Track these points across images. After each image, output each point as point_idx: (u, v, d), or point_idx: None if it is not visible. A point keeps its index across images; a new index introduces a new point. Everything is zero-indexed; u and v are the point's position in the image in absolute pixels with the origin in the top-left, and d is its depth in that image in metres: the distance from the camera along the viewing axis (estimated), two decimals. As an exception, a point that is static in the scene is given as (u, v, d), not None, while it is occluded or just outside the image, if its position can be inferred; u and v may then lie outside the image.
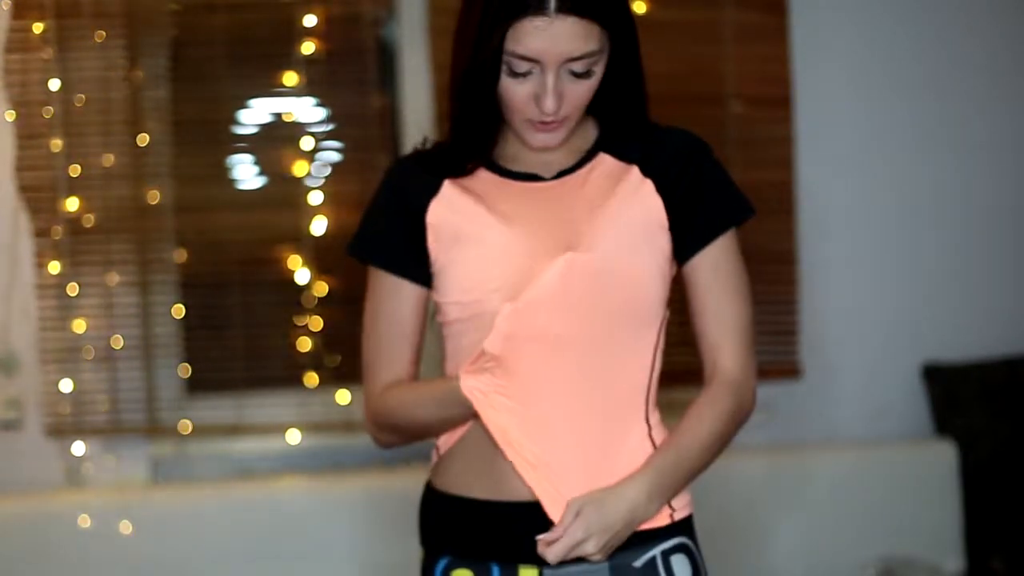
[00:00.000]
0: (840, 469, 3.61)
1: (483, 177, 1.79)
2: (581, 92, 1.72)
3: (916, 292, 3.73)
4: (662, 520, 1.78)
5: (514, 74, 1.70)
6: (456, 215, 1.77)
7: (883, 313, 3.72)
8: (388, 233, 1.81)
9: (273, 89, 3.44)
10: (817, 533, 3.56)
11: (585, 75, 1.71)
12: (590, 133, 1.82)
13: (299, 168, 3.42)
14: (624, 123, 1.81)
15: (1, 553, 3.27)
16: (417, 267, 1.80)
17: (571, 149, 1.80)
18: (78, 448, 3.42)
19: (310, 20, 3.40)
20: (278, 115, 3.46)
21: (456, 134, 1.78)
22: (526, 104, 1.72)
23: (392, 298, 1.81)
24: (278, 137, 3.46)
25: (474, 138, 1.77)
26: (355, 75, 3.44)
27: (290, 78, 3.42)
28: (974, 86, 3.73)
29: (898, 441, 3.70)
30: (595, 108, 1.81)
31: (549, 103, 1.69)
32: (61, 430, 3.38)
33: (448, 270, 1.77)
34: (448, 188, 1.79)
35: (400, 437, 1.85)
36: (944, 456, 3.61)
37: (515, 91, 1.71)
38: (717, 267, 1.78)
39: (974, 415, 3.66)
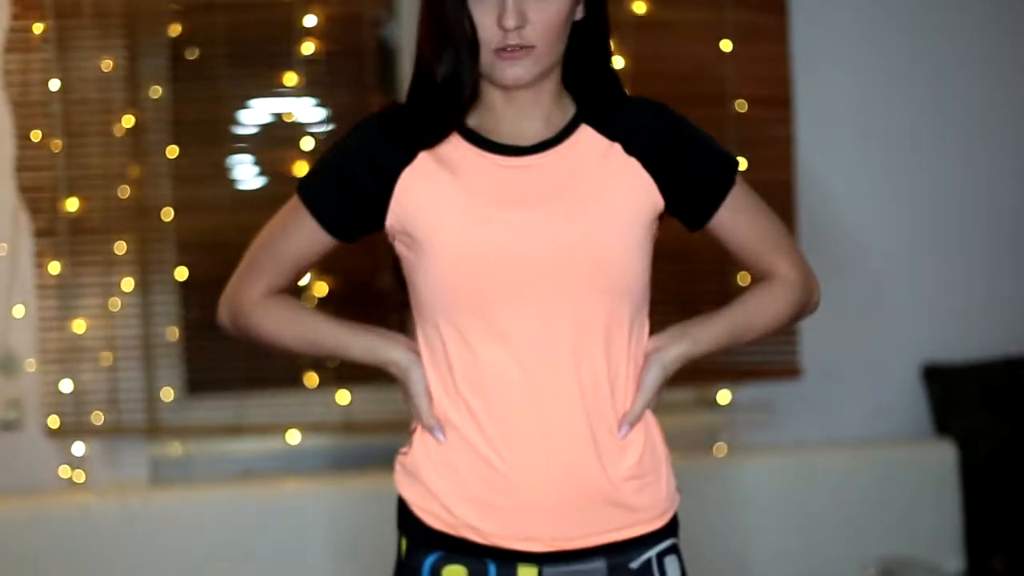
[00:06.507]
0: (840, 469, 3.61)
1: (461, 149, 1.76)
2: (546, 16, 1.70)
3: (916, 292, 3.73)
4: (659, 523, 1.79)
5: None
6: (426, 193, 1.74)
7: (883, 313, 3.72)
8: (338, 190, 1.78)
9: (273, 89, 3.44)
10: (817, 533, 3.56)
11: None
12: (568, 109, 1.80)
13: (299, 168, 3.42)
14: (601, 96, 1.80)
15: (1, 553, 3.27)
16: (349, 231, 1.80)
17: (550, 123, 1.78)
18: (78, 448, 3.42)
19: (310, 20, 3.40)
20: (278, 115, 3.46)
21: (426, 92, 1.75)
22: (492, 31, 1.70)
23: (306, 239, 1.82)
24: (278, 137, 3.46)
25: (450, 92, 1.74)
26: (355, 75, 3.44)
27: (290, 78, 3.42)
28: (974, 86, 3.73)
29: (898, 441, 3.70)
30: (571, 84, 1.80)
31: (509, 18, 1.67)
32: (61, 430, 3.38)
33: (416, 272, 1.76)
34: (423, 159, 1.76)
35: (246, 339, 1.90)
36: (944, 456, 3.61)
37: (477, 18, 1.70)
38: (738, 212, 1.83)
39: (974, 415, 3.66)
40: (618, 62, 3.36)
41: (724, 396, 3.61)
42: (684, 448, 3.53)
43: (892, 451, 3.66)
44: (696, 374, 3.49)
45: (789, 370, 3.59)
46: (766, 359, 3.57)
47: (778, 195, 3.52)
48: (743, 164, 3.45)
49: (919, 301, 3.73)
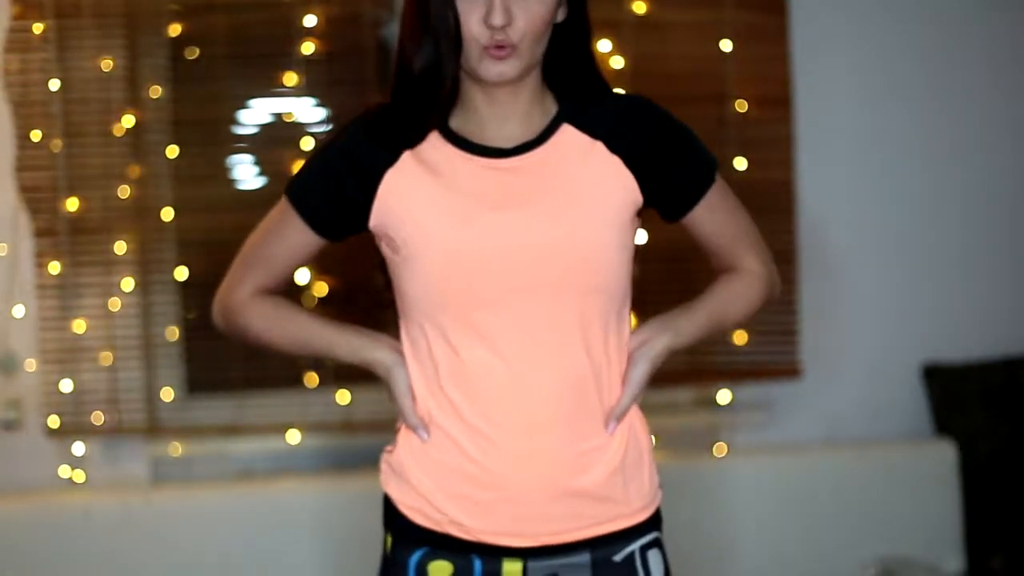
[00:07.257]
0: (840, 469, 3.61)
1: (443, 151, 1.77)
2: (531, 15, 1.70)
3: (916, 292, 3.73)
4: (642, 516, 1.81)
5: None
6: (409, 195, 1.75)
7: (883, 313, 3.72)
8: (324, 191, 1.81)
9: (273, 89, 3.44)
10: (817, 533, 3.56)
11: None
12: (550, 109, 1.80)
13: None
14: (582, 95, 1.80)
15: (1, 553, 3.27)
16: (335, 231, 1.84)
17: (531, 123, 1.78)
18: (78, 448, 3.42)
19: (310, 20, 3.40)
20: (278, 115, 3.46)
21: (408, 88, 1.75)
22: (478, 28, 1.70)
23: (294, 239, 1.86)
24: (278, 137, 3.46)
25: (430, 86, 1.74)
26: (355, 75, 3.44)
27: (290, 78, 3.42)
28: (974, 86, 3.73)
29: (898, 441, 3.70)
30: (554, 85, 1.81)
31: (497, 16, 1.68)
32: (61, 430, 3.38)
33: (400, 273, 1.77)
34: (406, 160, 1.77)
35: (238, 338, 1.93)
36: (944, 456, 3.61)
37: (466, 15, 1.70)
38: (715, 208, 1.86)
39: (974, 415, 3.66)
40: (618, 62, 3.37)
41: (724, 396, 3.61)
42: (684, 448, 3.54)
43: (892, 451, 3.66)
44: (696, 374, 3.50)
45: (789, 370, 3.59)
46: (766, 359, 3.57)
47: (778, 195, 3.53)
48: (743, 164, 3.47)
49: (919, 301, 3.73)
